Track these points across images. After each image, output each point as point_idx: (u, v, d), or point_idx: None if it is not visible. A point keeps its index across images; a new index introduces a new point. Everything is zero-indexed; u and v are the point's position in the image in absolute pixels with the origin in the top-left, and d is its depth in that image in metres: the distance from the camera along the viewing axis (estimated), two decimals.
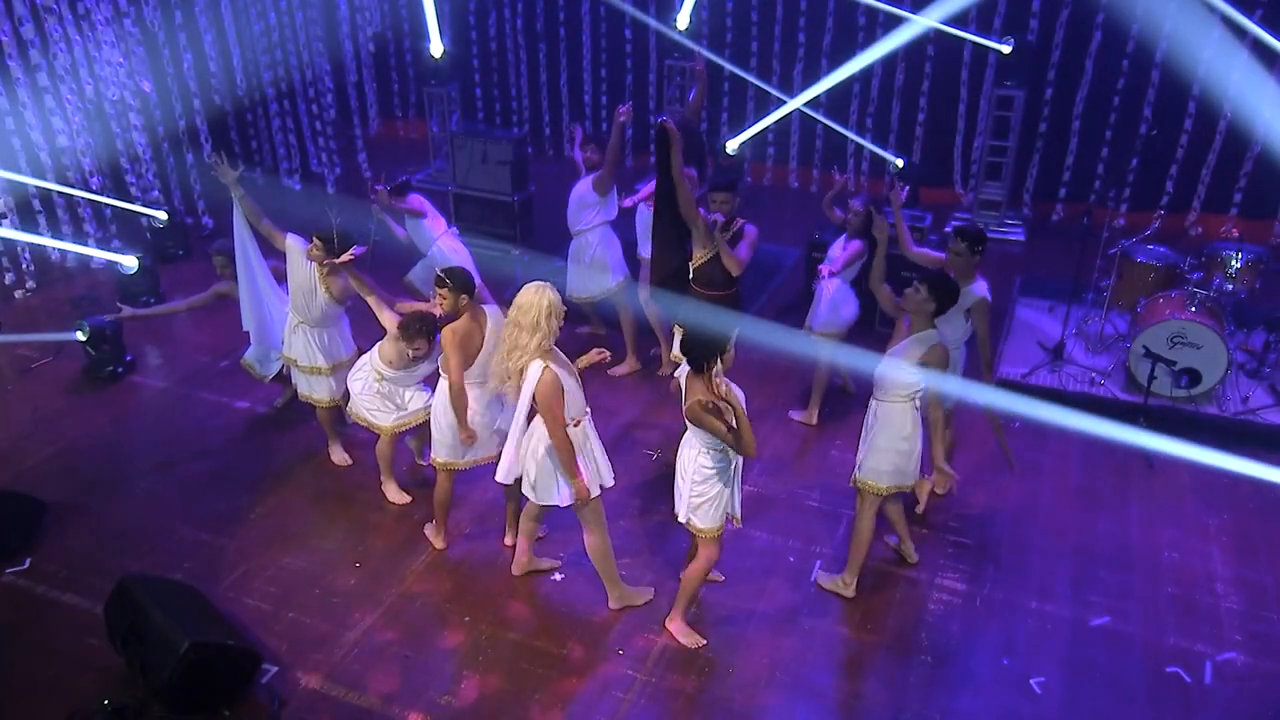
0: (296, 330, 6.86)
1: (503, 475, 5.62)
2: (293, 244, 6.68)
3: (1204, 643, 5.69)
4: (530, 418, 5.43)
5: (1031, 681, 5.41)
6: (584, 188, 8.09)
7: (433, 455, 6.14)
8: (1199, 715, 5.25)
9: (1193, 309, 7.59)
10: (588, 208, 8.08)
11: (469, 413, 5.88)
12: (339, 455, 7.25)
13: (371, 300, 6.34)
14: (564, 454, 5.28)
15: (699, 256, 6.76)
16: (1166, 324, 7.51)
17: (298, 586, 6.08)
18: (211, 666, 5.09)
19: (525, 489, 5.66)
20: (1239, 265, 8.03)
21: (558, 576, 6.14)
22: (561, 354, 5.37)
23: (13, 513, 6.33)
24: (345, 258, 6.34)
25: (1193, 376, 7.59)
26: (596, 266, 8.18)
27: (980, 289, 6.22)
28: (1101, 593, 6.03)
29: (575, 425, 5.36)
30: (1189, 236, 10.66)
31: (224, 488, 6.96)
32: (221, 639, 5.20)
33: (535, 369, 5.14)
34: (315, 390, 7.00)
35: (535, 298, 5.15)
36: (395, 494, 6.87)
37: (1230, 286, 8.01)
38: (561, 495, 5.49)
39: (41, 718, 5.12)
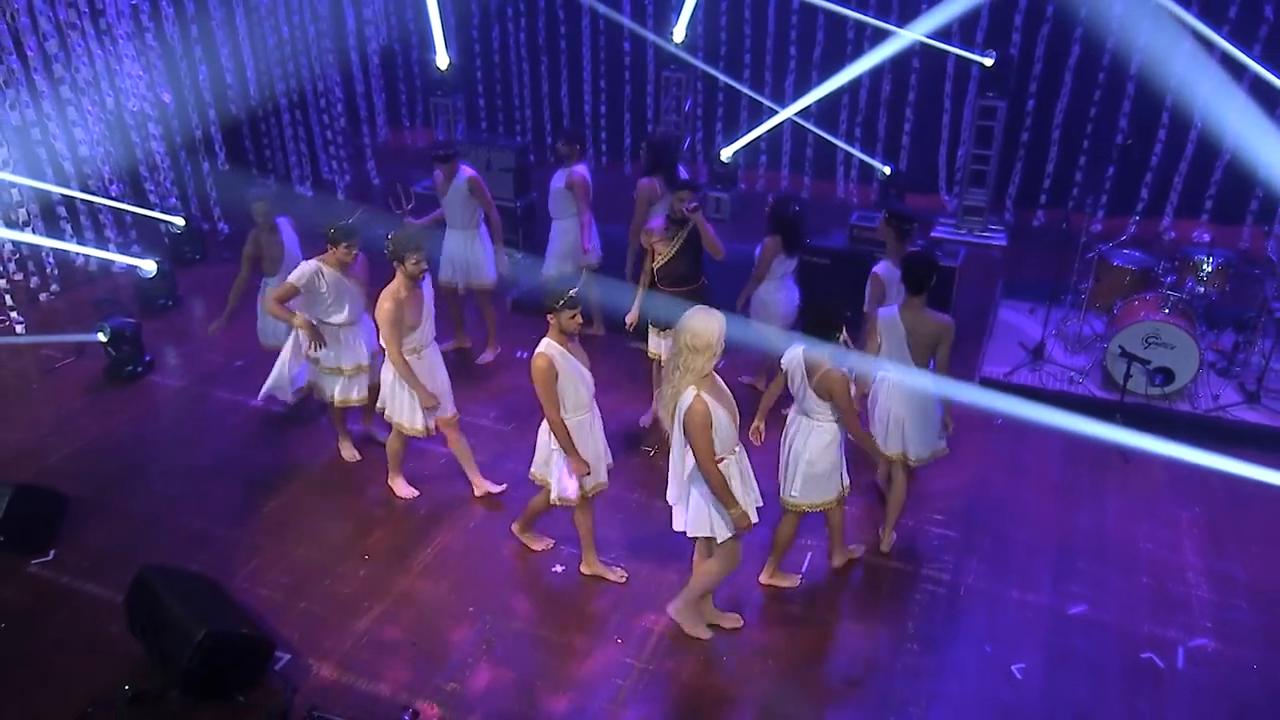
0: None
1: (681, 523, 5.26)
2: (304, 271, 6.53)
3: (1176, 630, 5.70)
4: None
5: (1013, 668, 5.42)
6: (558, 180, 8.35)
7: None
8: (1171, 699, 5.26)
9: (1166, 310, 7.60)
10: (561, 199, 8.35)
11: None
12: (349, 452, 7.23)
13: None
14: (715, 482, 4.93)
15: (661, 256, 6.84)
16: (1142, 325, 7.52)
17: (309, 578, 6.07)
18: (227, 654, 5.08)
19: (678, 521, 5.28)
20: (1210, 269, 8.04)
21: (558, 569, 6.14)
22: (721, 382, 5.03)
23: (37, 507, 6.33)
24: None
25: (1166, 375, 7.60)
26: (573, 249, 8.40)
27: (879, 266, 6.67)
28: (1079, 583, 6.03)
29: (720, 461, 4.96)
30: (1163, 241, 10.66)
31: (238, 483, 6.96)
32: (237, 628, 5.20)
33: (688, 395, 4.82)
34: (327, 388, 6.96)
35: (710, 323, 4.78)
36: (403, 489, 6.87)
37: (1202, 289, 8.03)
38: (717, 528, 5.10)
39: (65, 703, 5.11)
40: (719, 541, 5.18)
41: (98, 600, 5.85)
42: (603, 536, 6.30)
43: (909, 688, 5.30)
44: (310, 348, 6.62)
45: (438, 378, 6.48)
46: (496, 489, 6.83)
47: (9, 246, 9.38)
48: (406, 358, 6.17)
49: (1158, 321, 7.49)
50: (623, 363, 8.28)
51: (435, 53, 11.87)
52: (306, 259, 6.63)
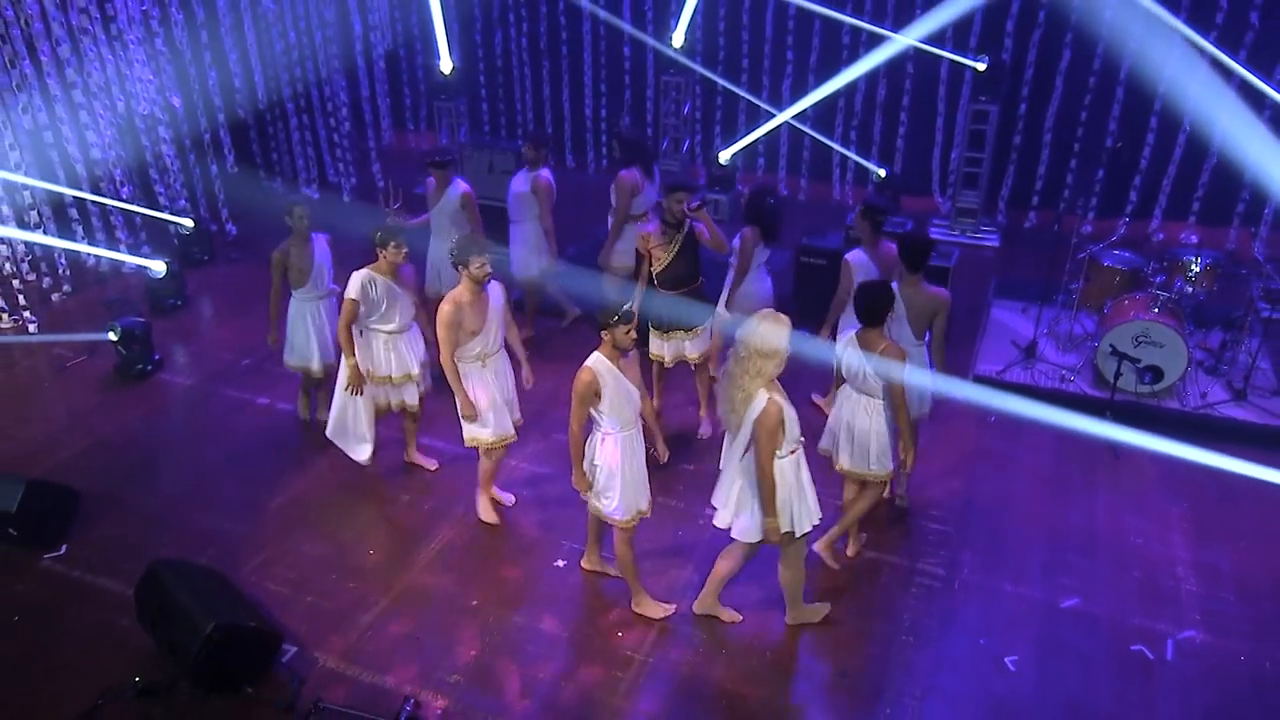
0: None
1: (727, 524, 5.26)
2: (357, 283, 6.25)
3: (1165, 622, 5.69)
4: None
5: (1006, 660, 5.41)
6: (521, 184, 8.25)
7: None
8: (1161, 689, 5.25)
9: (1156, 310, 7.59)
10: (525, 203, 8.23)
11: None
12: (407, 459, 7.10)
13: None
14: (767, 487, 4.92)
15: (660, 260, 6.83)
16: (1131, 324, 7.51)
17: (315, 571, 6.07)
18: (235, 646, 5.08)
19: (731, 524, 5.25)
20: (1198, 269, 8.05)
21: (560, 563, 6.12)
22: (779, 384, 4.99)
23: (50, 502, 6.32)
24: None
25: (1155, 373, 7.58)
26: (536, 253, 8.34)
27: (851, 254, 6.86)
28: (1071, 576, 6.02)
29: (791, 454, 4.99)
30: (1151, 242, 10.66)
31: (246, 479, 6.95)
32: (244, 620, 5.19)
33: (761, 399, 4.79)
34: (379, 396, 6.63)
35: (779, 328, 4.77)
36: (486, 511, 6.53)
37: (1190, 289, 8.03)
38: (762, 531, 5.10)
39: (77, 693, 5.11)
40: (785, 548, 5.26)
41: (109, 593, 5.84)
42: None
43: (904, 679, 5.29)
44: (350, 389, 6.40)
45: (505, 387, 6.19)
46: (508, 499, 6.68)
47: (22, 248, 9.38)
48: (468, 365, 5.95)
49: (1147, 321, 7.48)
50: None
51: (439, 57, 11.88)
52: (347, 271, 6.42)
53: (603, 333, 5.17)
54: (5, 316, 9.06)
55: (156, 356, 8.37)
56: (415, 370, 6.61)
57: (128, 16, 9.90)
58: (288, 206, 6.97)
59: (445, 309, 5.78)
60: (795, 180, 12.24)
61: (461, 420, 6.10)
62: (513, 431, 6.26)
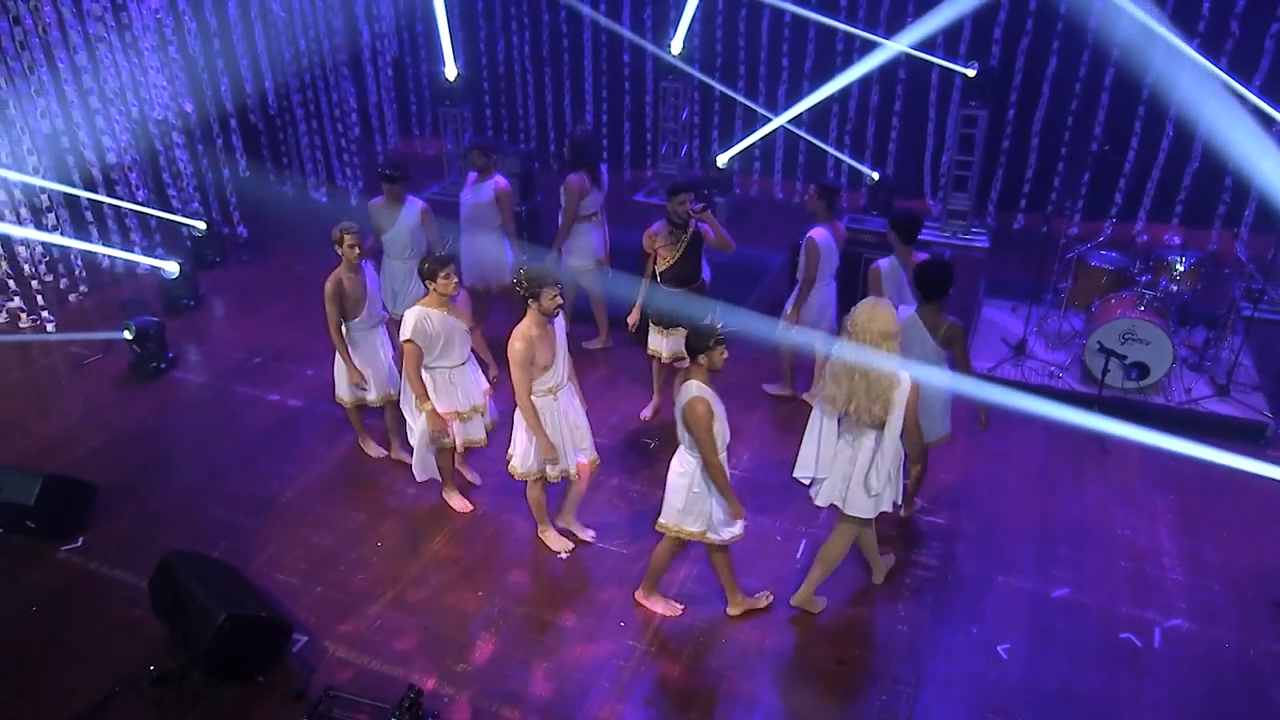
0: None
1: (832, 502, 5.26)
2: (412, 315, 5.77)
3: (1153, 611, 5.66)
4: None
5: (998, 648, 5.37)
6: (484, 193, 7.88)
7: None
8: (1149, 676, 5.22)
9: (1142, 308, 7.56)
10: (487, 212, 7.90)
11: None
12: (459, 502, 6.56)
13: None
14: (917, 448, 5.36)
15: (666, 259, 6.82)
16: (1118, 322, 7.47)
17: (324, 564, 6.03)
18: (247, 636, 5.04)
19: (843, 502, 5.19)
20: (1183, 269, 8.02)
21: (563, 555, 6.08)
22: None
23: (67, 495, 6.29)
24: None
25: (1142, 370, 7.55)
26: (498, 263, 8.11)
27: (815, 232, 7.02)
28: (1061, 567, 5.99)
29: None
30: (1136, 244, 10.63)
31: (256, 473, 6.91)
32: (256, 611, 5.15)
33: (907, 382, 4.82)
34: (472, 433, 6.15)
35: (888, 309, 4.83)
36: (555, 540, 6.16)
37: (1175, 288, 8.01)
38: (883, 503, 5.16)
39: (93, 681, 5.08)
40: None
41: (124, 585, 5.81)
42: (605, 523, 6.28)
43: (899, 667, 5.25)
44: (436, 437, 5.99)
45: (578, 422, 5.79)
46: (587, 535, 6.26)
47: (40, 249, 9.35)
48: (540, 400, 5.52)
49: (1134, 319, 7.44)
50: (620, 360, 8.24)
51: (444, 64, 11.84)
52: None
53: (700, 358, 4.80)
54: (24, 316, 9.04)
55: (170, 355, 8.34)
56: (480, 400, 6.15)
57: (142, 24, 9.85)
58: (337, 234, 6.27)
59: (517, 347, 5.30)
60: (790, 183, 12.21)
61: (513, 455, 5.75)
62: (573, 467, 5.82)
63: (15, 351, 8.66)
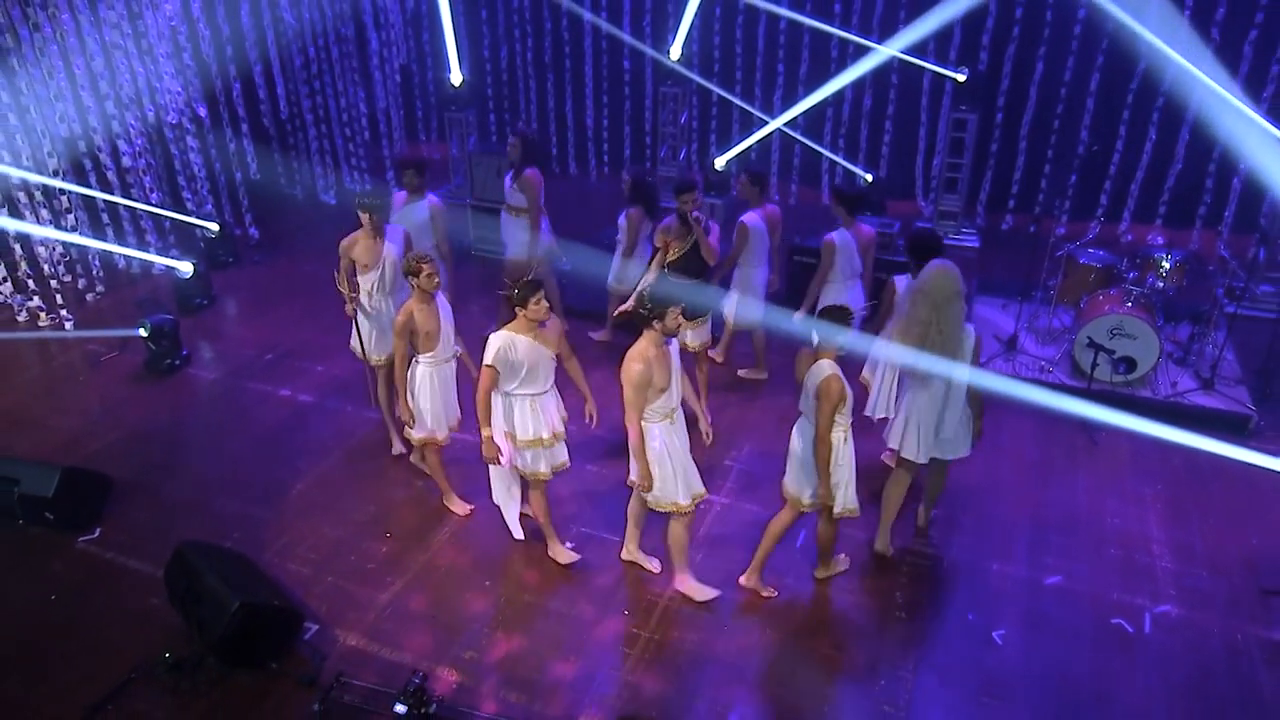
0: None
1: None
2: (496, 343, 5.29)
3: (1143, 597, 5.62)
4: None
5: (993, 634, 5.33)
6: (419, 211, 7.25)
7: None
8: (1140, 660, 5.18)
9: (1129, 304, 7.50)
10: (424, 232, 7.18)
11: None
12: (518, 531, 5.99)
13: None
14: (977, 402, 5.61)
15: (675, 251, 6.80)
16: (1107, 318, 7.42)
17: (335, 554, 5.96)
18: (259, 624, 4.99)
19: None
20: (1169, 266, 7.96)
21: (568, 545, 6.01)
22: None
23: (84, 488, 6.25)
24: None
25: (1129, 364, 7.50)
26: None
27: (746, 216, 7.24)
28: (1053, 555, 5.94)
29: None
30: (1120, 243, 10.57)
31: (268, 466, 6.84)
32: (268, 600, 5.10)
33: (971, 331, 5.32)
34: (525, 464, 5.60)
35: (953, 270, 5.27)
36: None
37: (1161, 284, 7.94)
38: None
39: (110, 668, 5.03)
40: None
41: (140, 574, 5.74)
42: (607, 514, 6.20)
43: (897, 653, 5.20)
44: (490, 460, 5.56)
45: (688, 450, 5.33)
46: (653, 565, 5.86)
47: (59, 250, 9.29)
48: (658, 423, 5.10)
49: (1121, 314, 7.39)
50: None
51: (449, 71, 11.76)
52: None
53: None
54: (43, 315, 8.98)
55: (184, 352, 8.27)
56: (561, 427, 5.65)
57: (157, 31, 9.79)
58: (412, 264, 5.69)
59: (635, 368, 4.90)
60: (786, 185, 12.14)
61: (640, 489, 5.28)
62: (704, 488, 5.40)
63: (35, 349, 8.61)
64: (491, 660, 5.16)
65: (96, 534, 6.12)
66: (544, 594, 5.65)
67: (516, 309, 5.27)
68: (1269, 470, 6.53)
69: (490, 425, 5.43)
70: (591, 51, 12.42)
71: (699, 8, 10.94)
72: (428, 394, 5.95)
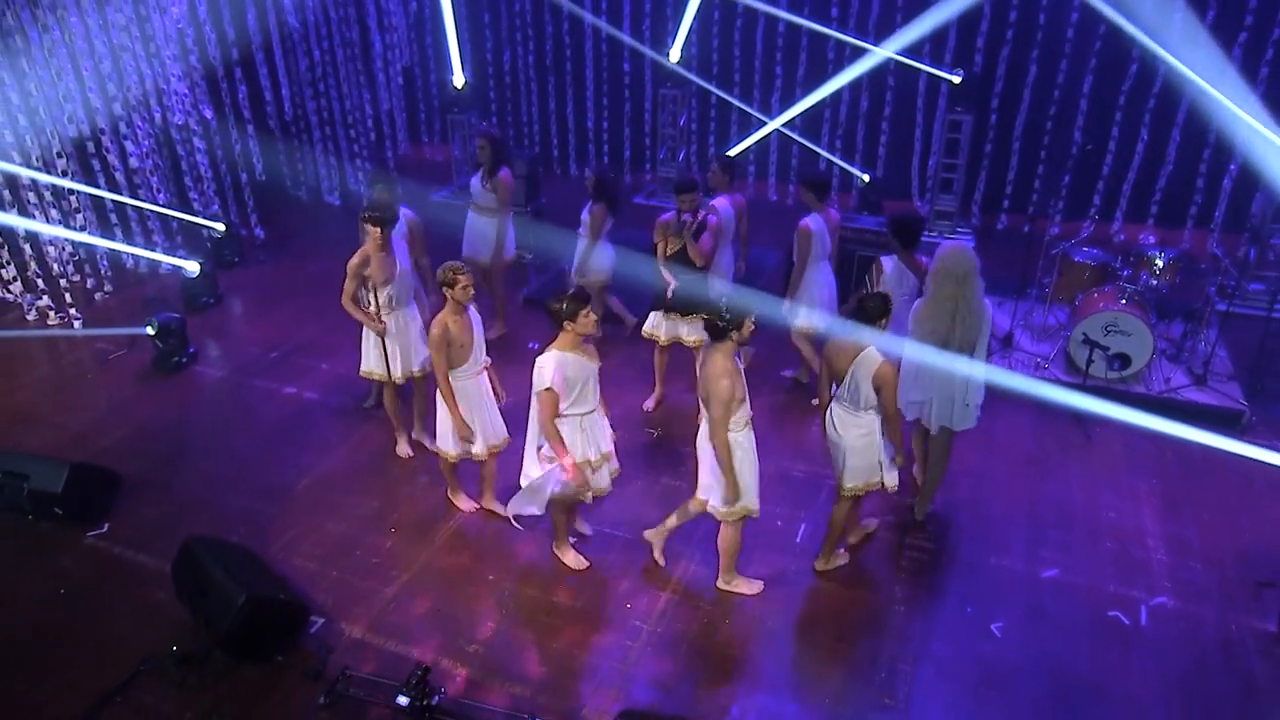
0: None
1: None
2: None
3: (1139, 590, 5.58)
4: None
5: (992, 627, 5.29)
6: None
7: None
8: (1136, 652, 5.15)
9: (1123, 301, 7.47)
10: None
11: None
12: (576, 560, 5.78)
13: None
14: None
15: (672, 245, 6.81)
16: (1101, 315, 7.38)
17: (340, 549, 5.92)
18: (266, 618, 4.95)
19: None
20: (1163, 264, 7.93)
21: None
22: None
23: (93, 484, 6.21)
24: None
25: (1124, 360, 7.46)
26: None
27: (718, 201, 7.25)
28: (1050, 549, 5.90)
29: None
30: (1113, 243, 10.54)
31: (274, 463, 6.79)
32: (274, 593, 5.07)
33: (989, 303, 5.62)
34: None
35: (972, 255, 5.58)
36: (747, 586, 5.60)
37: (1155, 282, 7.91)
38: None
39: (118, 661, 4.99)
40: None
41: (148, 569, 5.70)
42: (609, 509, 6.16)
43: (897, 646, 5.16)
44: (580, 492, 5.31)
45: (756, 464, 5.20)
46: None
47: (68, 250, 9.24)
48: (740, 432, 4.99)
49: (1116, 311, 7.36)
50: (622, 350, 8.13)
51: (452, 73, 11.74)
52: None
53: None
54: (52, 314, 8.93)
55: (191, 350, 8.22)
56: (608, 446, 5.44)
57: (165, 34, 9.74)
58: (447, 275, 5.42)
59: (724, 384, 4.77)
60: (784, 185, 12.10)
61: (723, 503, 5.15)
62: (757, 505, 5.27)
63: (44, 347, 8.56)
64: (494, 652, 5.12)
65: (105, 529, 6.07)
66: (547, 587, 5.61)
67: (565, 324, 4.99)
68: (1261, 465, 6.54)
69: (568, 450, 5.11)
70: (592, 54, 12.38)
71: (698, 10, 10.92)
72: (465, 409, 5.70)
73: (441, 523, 6.16)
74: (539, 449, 5.28)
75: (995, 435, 7.08)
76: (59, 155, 8.86)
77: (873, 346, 5.08)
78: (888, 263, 6.48)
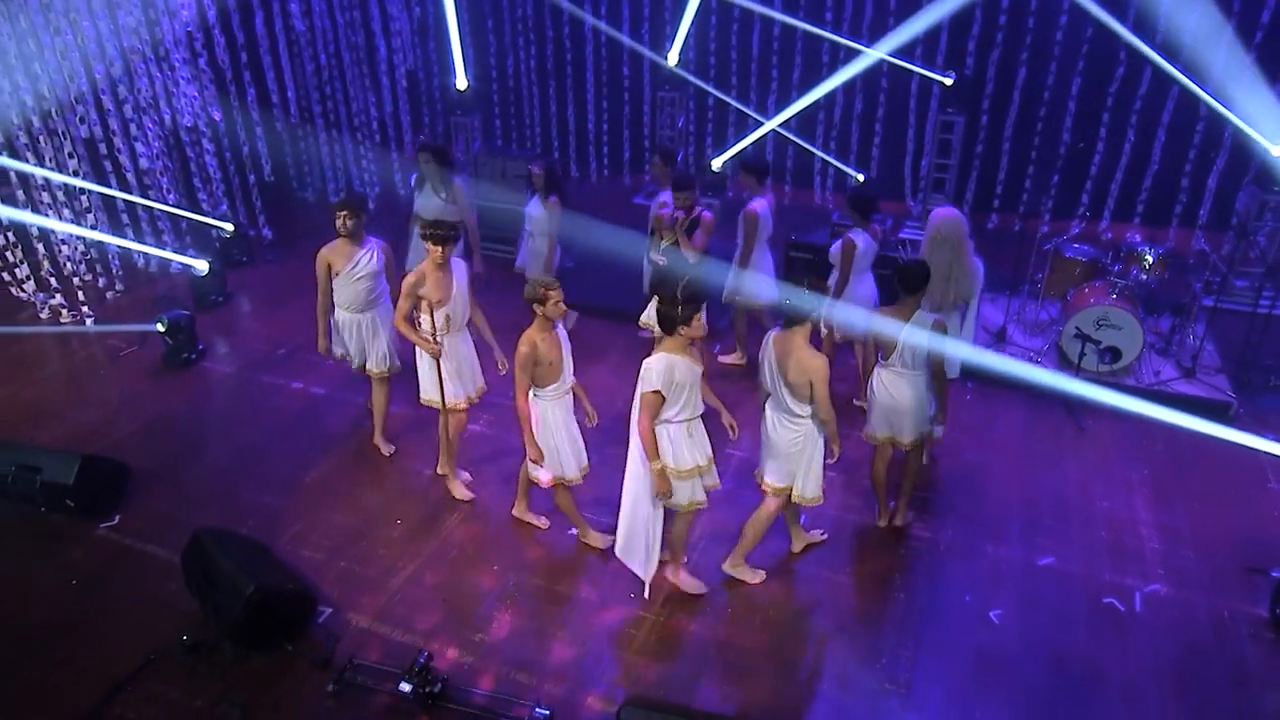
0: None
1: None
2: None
3: (1133, 577, 5.52)
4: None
5: (990, 614, 5.22)
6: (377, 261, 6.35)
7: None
8: (1131, 637, 5.09)
9: (1114, 296, 7.41)
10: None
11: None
12: (692, 584, 5.44)
13: None
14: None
15: (667, 240, 6.79)
16: (1093, 309, 7.32)
17: (347, 540, 5.83)
18: (274, 607, 4.88)
19: None
20: (1152, 260, 7.85)
21: (573, 531, 5.88)
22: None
23: (104, 476, 6.12)
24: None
25: (1115, 353, 7.40)
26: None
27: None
28: (1046, 537, 5.84)
29: None
30: (1101, 241, 10.46)
31: (281, 456, 6.71)
32: (282, 584, 4.99)
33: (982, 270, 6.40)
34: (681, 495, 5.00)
35: (960, 220, 6.20)
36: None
37: (1145, 277, 7.84)
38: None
39: (129, 651, 4.91)
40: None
41: (158, 560, 5.62)
42: (609, 501, 6.06)
43: (898, 632, 5.10)
44: (662, 498, 4.94)
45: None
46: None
47: (80, 250, 9.14)
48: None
49: (1107, 306, 7.29)
50: (621, 343, 8.05)
51: (455, 77, 11.64)
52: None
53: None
54: (65, 312, 8.84)
55: (200, 346, 8.13)
56: (711, 451, 5.08)
57: (174, 38, 9.64)
58: (538, 290, 5.00)
59: (823, 390, 4.78)
60: (780, 185, 12.00)
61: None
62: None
63: (57, 345, 8.46)
64: (499, 642, 5.04)
65: (116, 521, 5.99)
66: (551, 578, 5.53)
67: (679, 328, 4.67)
68: (1248, 455, 6.51)
69: (660, 457, 4.82)
70: (592, 59, 12.28)
71: (695, 14, 10.83)
72: (553, 430, 5.25)
73: (447, 514, 6.08)
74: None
75: (990, 428, 7.03)
76: (70, 155, 8.76)
77: (921, 312, 5.32)
78: (858, 237, 6.71)
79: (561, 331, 5.23)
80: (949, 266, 6.07)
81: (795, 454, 5.04)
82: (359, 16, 11.91)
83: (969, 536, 5.85)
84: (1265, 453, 6.50)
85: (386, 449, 6.69)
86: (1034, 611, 5.24)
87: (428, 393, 5.97)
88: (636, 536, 5.04)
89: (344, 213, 6.11)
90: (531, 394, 5.20)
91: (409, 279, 5.70)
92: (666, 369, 4.67)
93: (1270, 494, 6.30)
